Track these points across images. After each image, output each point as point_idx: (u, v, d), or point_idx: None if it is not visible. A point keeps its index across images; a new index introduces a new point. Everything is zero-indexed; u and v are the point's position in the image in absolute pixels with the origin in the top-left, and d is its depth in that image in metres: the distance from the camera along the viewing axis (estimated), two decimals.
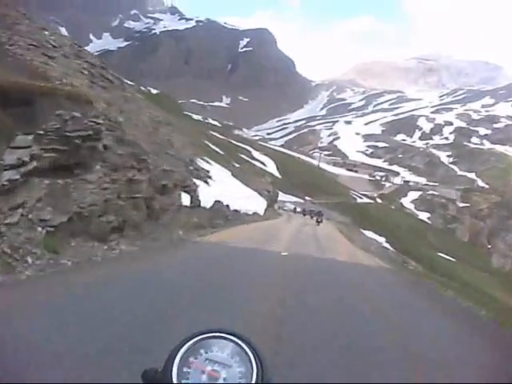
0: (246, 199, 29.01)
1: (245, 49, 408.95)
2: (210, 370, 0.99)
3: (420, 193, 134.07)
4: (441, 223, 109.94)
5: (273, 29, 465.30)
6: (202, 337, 1.06)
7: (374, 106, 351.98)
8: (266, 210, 41.43)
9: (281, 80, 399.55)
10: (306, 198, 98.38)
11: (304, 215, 63.82)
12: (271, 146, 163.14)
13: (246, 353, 1.02)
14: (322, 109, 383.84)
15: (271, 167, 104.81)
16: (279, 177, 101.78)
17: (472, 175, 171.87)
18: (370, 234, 76.18)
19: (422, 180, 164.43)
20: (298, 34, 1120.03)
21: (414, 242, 73.32)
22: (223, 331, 1.07)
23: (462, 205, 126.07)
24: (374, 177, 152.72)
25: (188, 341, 1.04)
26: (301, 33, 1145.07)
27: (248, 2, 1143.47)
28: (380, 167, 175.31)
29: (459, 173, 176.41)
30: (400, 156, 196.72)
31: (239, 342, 1.05)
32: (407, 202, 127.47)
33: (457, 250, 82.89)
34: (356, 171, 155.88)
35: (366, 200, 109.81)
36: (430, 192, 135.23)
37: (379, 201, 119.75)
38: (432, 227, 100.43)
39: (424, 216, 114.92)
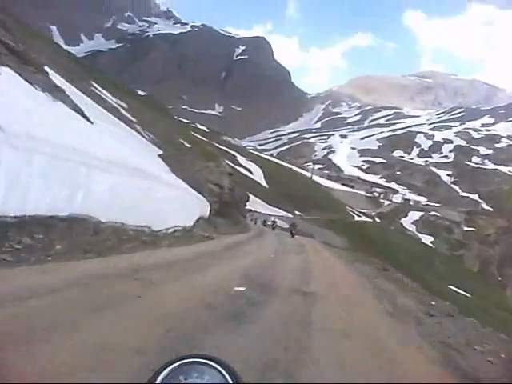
0: (160, 202, 14.36)
1: (240, 57, 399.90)
2: None
3: (421, 213, 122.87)
4: (446, 249, 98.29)
5: (271, 40, 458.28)
6: (182, 362, 1.04)
7: (370, 122, 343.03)
8: (207, 220, 24.32)
9: (276, 90, 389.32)
10: (296, 212, 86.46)
11: (273, 228, 52.61)
12: (260, 154, 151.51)
13: (225, 377, 1.02)
14: (316, 122, 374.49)
15: (258, 175, 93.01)
16: (266, 186, 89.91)
17: (475, 196, 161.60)
18: (366, 258, 64.78)
19: (422, 199, 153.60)
20: (297, 47, 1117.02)
21: (421, 272, 61.92)
22: (202, 357, 1.06)
23: (466, 228, 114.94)
24: (371, 193, 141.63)
25: (166, 367, 1.02)
26: (299, 46, 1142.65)
27: (248, 14, 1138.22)
28: (377, 183, 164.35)
29: (461, 193, 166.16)
30: (398, 173, 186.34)
31: (218, 367, 1.04)
32: (408, 222, 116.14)
33: (467, 282, 71.06)
34: (352, 186, 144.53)
35: (363, 218, 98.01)
36: (432, 213, 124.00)
37: (378, 220, 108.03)
38: (438, 253, 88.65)
39: (427, 239, 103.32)
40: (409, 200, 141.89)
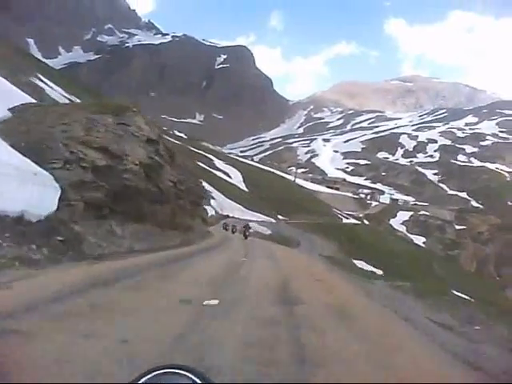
0: None
1: (221, 65, 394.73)
2: None
3: (411, 213, 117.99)
4: (440, 249, 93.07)
5: (255, 51, 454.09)
6: (156, 373, 1.06)
7: (353, 125, 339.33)
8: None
9: (257, 98, 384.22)
10: (279, 216, 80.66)
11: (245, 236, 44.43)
12: (239, 158, 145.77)
13: (194, 381, 1.05)
14: (299, 127, 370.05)
15: (236, 179, 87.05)
16: (245, 190, 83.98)
17: (463, 194, 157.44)
18: (361, 264, 59.36)
19: (410, 199, 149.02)
20: (280, 57, 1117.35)
21: (419, 275, 56.54)
22: (175, 367, 1.09)
23: (458, 227, 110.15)
24: (358, 195, 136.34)
25: (140, 379, 1.04)
26: (282, 56, 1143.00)
27: (231, 26, 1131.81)
28: (363, 185, 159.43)
29: (449, 192, 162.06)
30: (383, 174, 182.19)
31: (191, 376, 1.07)
32: (397, 223, 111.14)
33: (468, 285, 65.55)
34: (337, 188, 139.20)
35: (352, 220, 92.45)
36: (422, 212, 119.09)
37: (366, 222, 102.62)
38: (433, 254, 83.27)
39: (419, 240, 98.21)
40: (397, 200, 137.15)
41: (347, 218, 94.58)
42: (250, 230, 53.96)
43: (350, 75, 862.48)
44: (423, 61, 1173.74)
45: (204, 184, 76.01)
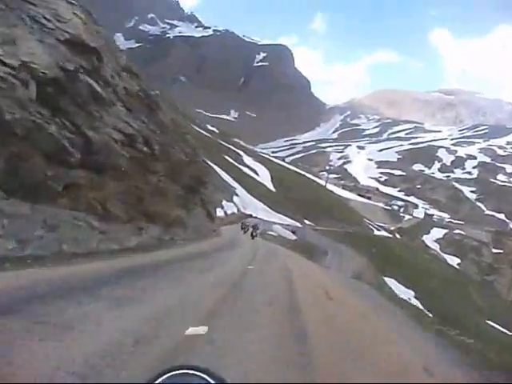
0: None
1: (260, 63, 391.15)
2: None
3: (445, 231, 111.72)
4: (476, 273, 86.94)
5: (295, 52, 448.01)
6: (169, 375, 1.07)
7: (389, 134, 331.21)
8: None
9: (294, 99, 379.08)
10: (306, 221, 76.25)
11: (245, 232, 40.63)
12: (269, 157, 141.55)
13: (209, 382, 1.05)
14: (333, 132, 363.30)
15: (264, 177, 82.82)
16: (272, 190, 79.75)
17: (501, 216, 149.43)
18: (392, 283, 54.69)
19: (445, 215, 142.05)
20: (320, 60, 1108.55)
21: (454, 302, 51.79)
22: (187, 367, 1.10)
23: (495, 250, 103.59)
24: (390, 206, 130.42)
25: (155, 381, 1.04)
26: (323, 59, 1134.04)
27: (274, 26, 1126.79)
28: (396, 196, 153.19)
29: (486, 211, 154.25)
30: (418, 187, 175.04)
31: (206, 377, 1.07)
32: (430, 240, 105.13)
33: (507, 316, 59.86)
34: (369, 198, 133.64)
35: (383, 233, 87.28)
36: (457, 231, 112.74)
37: (398, 236, 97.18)
38: (468, 278, 77.41)
39: (453, 261, 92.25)
40: (431, 216, 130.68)
41: (379, 230, 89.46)
42: (267, 232, 50.06)
43: (390, 84, 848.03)
44: (466, 74, 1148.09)
45: (227, 177, 72.27)
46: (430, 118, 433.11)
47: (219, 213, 52.98)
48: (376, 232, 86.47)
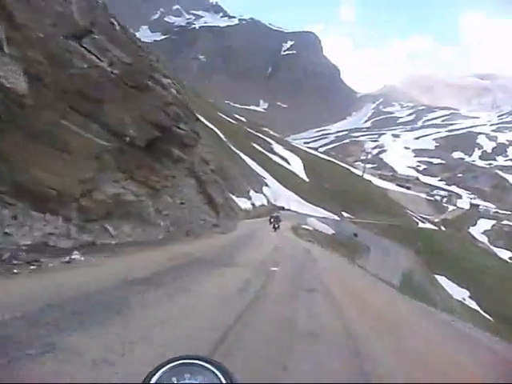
0: None
1: (288, 52, 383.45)
2: None
3: (493, 222, 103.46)
4: None
5: (323, 41, 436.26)
6: (174, 364, 1.03)
7: (425, 122, 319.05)
8: None
9: (324, 88, 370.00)
10: (344, 213, 69.87)
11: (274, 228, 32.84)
12: (300, 146, 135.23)
13: (218, 377, 1.00)
14: (366, 121, 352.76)
15: (296, 166, 76.77)
16: (306, 180, 73.67)
17: None
18: (443, 281, 48.29)
19: (490, 205, 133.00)
20: (349, 48, 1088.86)
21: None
22: (194, 357, 1.04)
23: None
24: (432, 196, 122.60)
25: (159, 369, 1.01)
26: (353, 46, 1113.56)
27: (299, 13, 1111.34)
28: (437, 186, 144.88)
29: None
30: (460, 175, 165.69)
31: (211, 367, 1.02)
32: (477, 232, 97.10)
33: None
34: (408, 188, 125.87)
35: (428, 225, 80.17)
36: (505, 222, 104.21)
37: (443, 228, 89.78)
38: None
39: (504, 254, 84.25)
40: (477, 206, 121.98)
41: (423, 222, 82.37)
42: (301, 226, 44.15)
43: (423, 70, 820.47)
44: (501, 58, 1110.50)
45: (255, 166, 66.58)
46: (466, 103, 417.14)
47: (244, 204, 47.29)
48: (420, 224, 79.49)
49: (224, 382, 0.98)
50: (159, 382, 0.97)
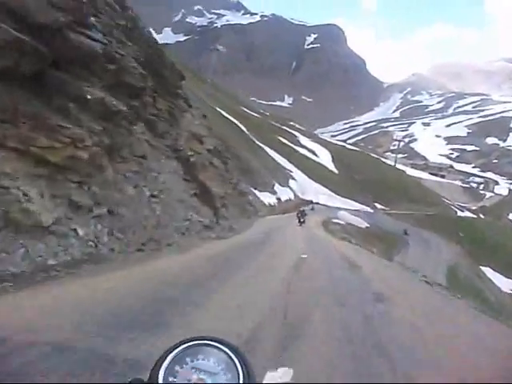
0: None
1: (311, 45, 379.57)
2: (196, 378, 0.98)
3: None
4: None
5: (346, 32, 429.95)
6: (188, 345, 1.03)
7: (455, 109, 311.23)
8: None
9: (349, 80, 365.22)
10: (376, 205, 67.68)
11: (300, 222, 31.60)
12: (328, 139, 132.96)
13: (232, 359, 1.00)
14: (394, 111, 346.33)
15: (324, 158, 74.90)
16: (335, 171, 71.73)
17: None
18: (490, 273, 45.94)
19: None
20: (372, 39, 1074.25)
21: None
22: (208, 338, 1.04)
23: None
24: (468, 184, 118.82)
25: (173, 350, 1.01)
26: (376, 37, 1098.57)
27: (320, 7, 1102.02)
28: (471, 173, 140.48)
29: None
30: (495, 161, 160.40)
31: (224, 348, 1.02)
32: None
33: None
34: (443, 176, 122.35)
35: (467, 213, 77.21)
36: None
37: (481, 216, 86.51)
38: None
39: None
40: None
41: (461, 211, 79.43)
42: (332, 220, 42.33)
43: (449, 57, 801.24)
44: None
45: (283, 161, 64.95)
46: (496, 88, 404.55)
47: (268, 199, 45.74)
48: (459, 213, 76.58)
49: (237, 363, 0.98)
50: (173, 361, 0.98)
